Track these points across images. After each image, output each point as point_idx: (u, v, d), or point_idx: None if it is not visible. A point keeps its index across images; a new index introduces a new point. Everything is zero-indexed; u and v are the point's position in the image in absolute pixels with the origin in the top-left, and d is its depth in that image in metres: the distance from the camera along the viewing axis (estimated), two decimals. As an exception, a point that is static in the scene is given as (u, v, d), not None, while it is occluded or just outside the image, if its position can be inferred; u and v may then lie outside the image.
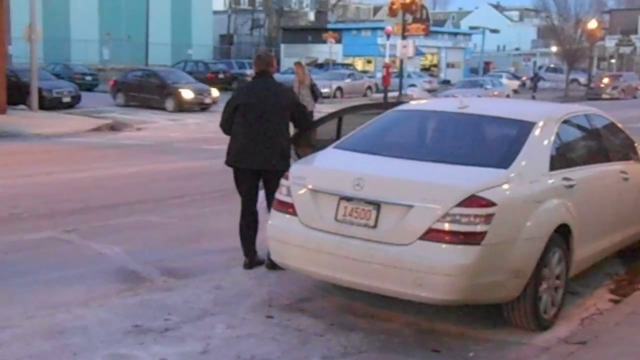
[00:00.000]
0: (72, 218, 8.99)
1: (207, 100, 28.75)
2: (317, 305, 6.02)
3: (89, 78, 39.41)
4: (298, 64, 16.29)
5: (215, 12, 67.01)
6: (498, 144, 6.04)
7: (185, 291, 6.28)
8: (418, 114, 6.93)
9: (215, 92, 29.54)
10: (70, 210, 9.44)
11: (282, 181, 5.94)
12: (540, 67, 69.64)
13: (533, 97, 44.69)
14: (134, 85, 29.68)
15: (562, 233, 5.66)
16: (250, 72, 45.68)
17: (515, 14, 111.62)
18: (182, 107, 27.84)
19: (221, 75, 43.35)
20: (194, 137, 19.48)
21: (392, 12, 34.47)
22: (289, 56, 61.66)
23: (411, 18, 35.75)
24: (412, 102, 7.91)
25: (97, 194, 10.69)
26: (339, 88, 40.09)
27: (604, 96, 45.32)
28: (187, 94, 28.18)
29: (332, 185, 5.56)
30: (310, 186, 5.67)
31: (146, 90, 29.03)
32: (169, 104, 28.18)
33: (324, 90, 38.73)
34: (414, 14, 36.29)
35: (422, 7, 43.89)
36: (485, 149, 6.04)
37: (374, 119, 6.75)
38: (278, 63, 60.75)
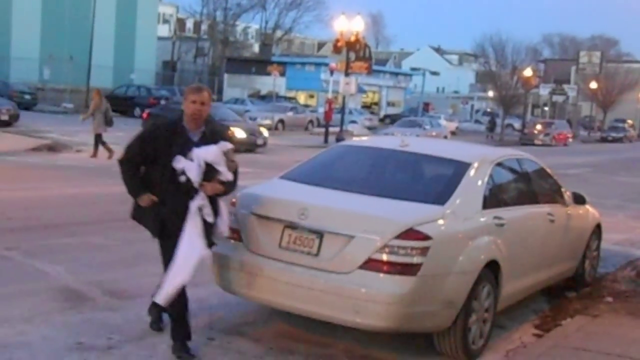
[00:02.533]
0: (13, 236, 8.97)
1: (260, 142, 25.92)
2: (257, 329, 6.22)
3: (28, 97, 38.88)
4: (97, 91, 20.48)
5: (160, 38, 66.91)
6: (435, 181, 6.41)
7: (128, 311, 6.40)
8: (361, 150, 7.26)
9: (265, 133, 26.83)
10: (11, 228, 9.41)
11: (229, 208, 6.14)
12: (477, 111, 71.62)
13: (492, 138, 46.55)
14: None
15: (492, 268, 6.01)
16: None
17: (455, 58, 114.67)
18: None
19: (163, 102, 43.20)
20: (134, 161, 19.44)
21: (337, 49, 35.07)
22: (232, 86, 62.01)
23: (354, 56, 36.49)
24: (355, 139, 8.24)
25: (38, 214, 10.67)
26: (281, 120, 40.44)
27: (536, 142, 46.86)
28: (239, 133, 24.67)
29: (278, 213, 5.81)
30: (256, 213, 5.90)
31: None
32: None
33: (266, 122, 39.10)
34: (358, 52, 37.05)
35: (366, 45, 44.80)
36: (424, 186, 6.41)
37: (319, 152, 7.05)
38: (220, 92, 61.25)
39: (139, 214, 5.68)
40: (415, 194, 6.02)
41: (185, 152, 5.35)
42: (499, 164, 6.80)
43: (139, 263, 8.15)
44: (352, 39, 33.59)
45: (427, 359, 5.85)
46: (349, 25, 33.56)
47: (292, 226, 5.66)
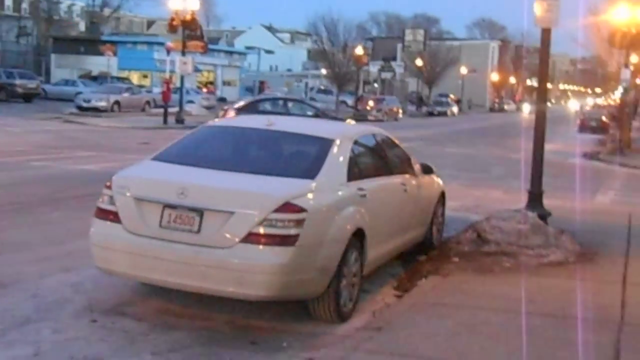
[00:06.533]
0: None
1: None
2: (138, 309, 6.35)
3: None
4: None
5: (-23, 17, 62.82)
6: (304, 157, 6.81)
7: (2, 300, 6.32)
8: (230, 130, 7.51)
9: None
10: None
11: (104, 190, 6.22)
12: (312, 89, 73.08)
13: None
14: None
15: (358, 236, 6.50)
16: (19, 82, 43.33)
17: (287, 36, 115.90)
18: None
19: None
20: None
21: (172, 28, 34.65)
22: (61, 67, 59.50)
23: (189, 35, 36.16)
24: (223, 119, 8.48)
25: None
26: (117, 102, 39.37)
27: (369, 118, 48.61)
28: None
29: (157, 194, 5.97)
30: (133, 195, 6.02)
31: None
32: None
33: (101, 104, 37.92)
34: (194, 31, 36.80)
35: (199, 24, 44.43)
36: (294, 162, 6.79)
37: (187, 133, 7.24)
38: (48, 74, 58.47)
39: None
40: (286, 170, 6.39)
41: None
42: (358, 140, 7.30)
43: (5, 251, 7.97)
44: (188, 17, 33.33)
45: (303, 324, 6.23)
46: (184, 4, 33.21)
47: (171, 206, 5.85)
